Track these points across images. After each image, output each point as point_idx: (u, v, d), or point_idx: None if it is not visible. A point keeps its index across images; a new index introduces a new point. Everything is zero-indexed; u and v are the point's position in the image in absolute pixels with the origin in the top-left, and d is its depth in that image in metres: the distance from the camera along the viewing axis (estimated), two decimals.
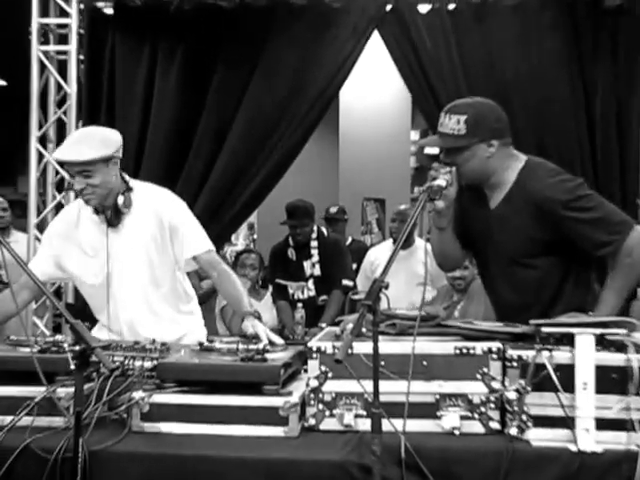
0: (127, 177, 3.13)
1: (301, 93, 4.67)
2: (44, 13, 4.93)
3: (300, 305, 4.80)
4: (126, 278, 3.13)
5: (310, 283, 5.01)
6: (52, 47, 4.99)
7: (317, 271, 5.01)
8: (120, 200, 3.04)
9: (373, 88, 7.56)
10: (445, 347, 2.35)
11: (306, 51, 4.70)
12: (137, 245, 3.11)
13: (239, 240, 8.80)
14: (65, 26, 4.94)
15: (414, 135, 8.95)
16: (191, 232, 3.16)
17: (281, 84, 4.68)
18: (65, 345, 2.36)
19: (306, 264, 5.01)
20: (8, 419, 2.29)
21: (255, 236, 8.49)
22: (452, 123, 2.78)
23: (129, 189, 3.10)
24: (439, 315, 2.57)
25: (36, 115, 4.91)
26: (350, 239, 6.28)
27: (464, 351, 2.32)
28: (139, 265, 3.13)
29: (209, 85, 4.71)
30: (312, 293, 5.00)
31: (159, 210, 3.12)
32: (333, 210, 6.22)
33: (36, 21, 4.88)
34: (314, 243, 5.03)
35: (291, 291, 5.07)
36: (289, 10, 4.61)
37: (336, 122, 7.70)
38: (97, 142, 2.96)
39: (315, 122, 4.78)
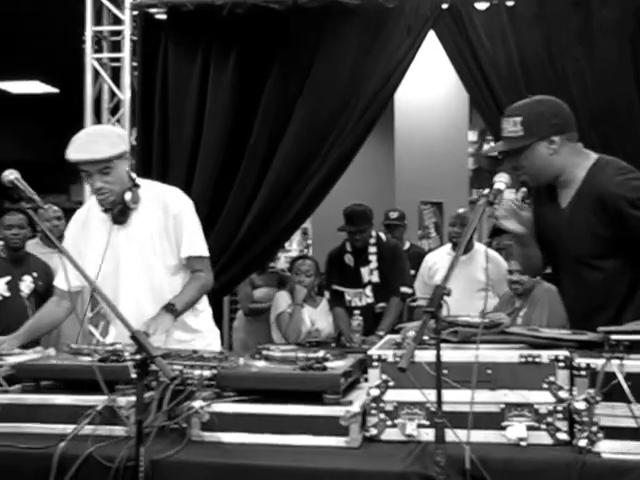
0: (133, 174, 3.18)
1: (356, 96, 4.67)
2: (98, 21, 5.03)
3: (357, 312, 4.79)
4: (133, 274, 3.17)
5: (368, 290, 4.99)
6: (106, 54, 5.08)
7: (375, 278, 4.99)
8: (128, 196, 3.10)
9: (429, 88, 7.51)
10: (510, 355, 2.33)
11: (360, 52, 4.69)
12: (144, 240, 3.15)
13: (293, 246, 8.83)
14: (118, 33, 5.03)
15: (472, 136, 8.86)
16: (193, 232, 3.22)
17: (335, 86, 4.69)
18: (126, 354, 2.41)
19: (364, 270, 5.00)
20: (70, 428, 2.35)
21: (309, 241, 8.51)
22: (510, 126, 2.81)
23: (136, 185, 3.16)
24: (502, 322, 2.56)
25: (90, 122, 4.99)
26: (408, 244, 6.26)
27: (530, 359, 2.30)
28: (146, 260, 3.17)
29: (263, 89, 4.73)
30: (370, 300, 4.99)
31: (166, 201, 3.18)
32: (393, 215, 6.20)
33: (90, 29, 4.98)
34: (372, 249, 5.02)
35: (348, 298, 5.06)
36: (342, 11, 4.62)
37: (391, 124, 7.66)
38: (112, 139, 3.05)
39: (370, 125, 4.77)
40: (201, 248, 3.27)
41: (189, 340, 3.24)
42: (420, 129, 7.68)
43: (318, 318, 5.08)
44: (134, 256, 3.16)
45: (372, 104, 4.68)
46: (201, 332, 3.36)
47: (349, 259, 5.10)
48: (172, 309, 3.04)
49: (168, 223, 3.17)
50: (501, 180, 2.54)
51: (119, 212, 3.12)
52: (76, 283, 3.06)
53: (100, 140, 3.05)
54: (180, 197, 3.27)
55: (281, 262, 7.31)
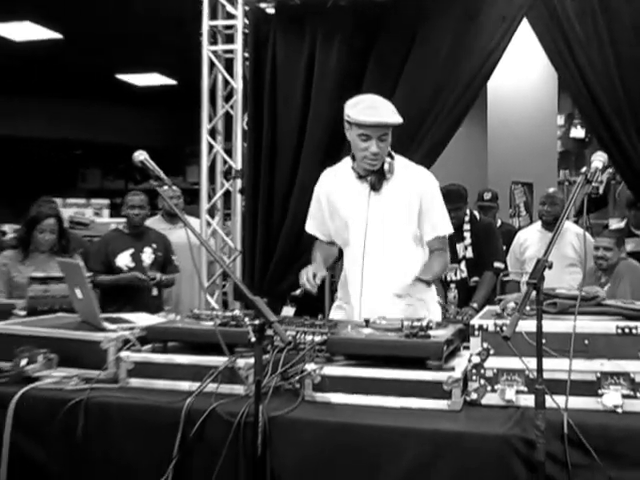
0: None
1: (452, 82, 4.57)
2: (213, 16, 5.08)
3: (453, 286, 4.73)
4: (384, 243, 3.13)
5: (462, 265, 4.92)
6: (220, 47, 5.12)
7: (469, 253, 4.91)
8: (386, 166, 3.08)
9: (520, 73, 7.30)
10: (607, 326, 2.26)
11: (456, 40, 4.58)
12: (396, 211, 3.11)
13: None
14: (231, 27, 5.06)
15: (560, 119, 8.61)
16: (438, 213, 3.18)
17: (432, 74, 4.60)
18: (246, 319, 2.44)
19: (459, 246, 4.92)
20: (194, 385, 2.41)
21: None
22: None
23: (392, 157, 3.13)
24: (599, 295, 2.47)
25: (206, 110, 5.05)
26: (500, 222, 6.13)
27: (627, 330, 2.24)
28: (397, 230, 3.13)
29: (363, 77, 4.70)
30: (464, 275, 4.91)
31: (417, 178, 3.15)
32: (487, 197, 6.07)
33: (206, 24, 5.03)
34: (467, 226, 4.93)
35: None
36: (439, 0, 4.53)
37: (484, 109, 7.51)
38: (393, 109, 3.03)
39: (465, 109, 4.66)
40: (447, 227, 3.22)
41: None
42: (512, 113, 7.50)
43: None
44: (384, 223, 3.12)
45: (467, 90, 4.58)
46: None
47: None
48: (427, 282, 3.03)
49: (417, 199, 3.12)
50: (599, 159, 2.44)
51: (377, 180, 3.08)
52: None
53: (387, 108, 3.02)
54: (429, 176, 3.22)
55: None
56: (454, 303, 4.54)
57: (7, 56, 8.69)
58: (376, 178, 3.08)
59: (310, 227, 3.37)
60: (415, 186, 3.13)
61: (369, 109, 2.98)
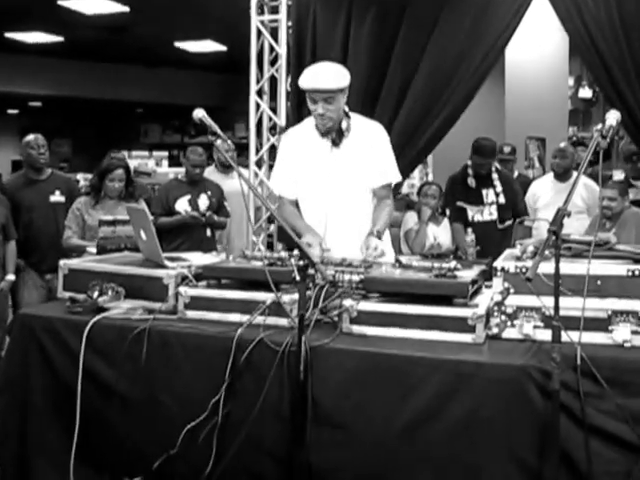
0: (346, 107, 3.05)
1: (475, 46, 4.38)
2: None
3: (470, 230, 4.61)
4: (344, 194, 3.05)
5: (493, 208, 4.82)
6: (267, 17, 4.98)
7: (502, 199, 4.81)
8: (344, 125, 3.00)
9: (535, 38, 7.06)
10: (618, 269, 2.16)
11: (479, 8, 4.40)
12: (355, 164, 3.03)
13: (414, 174, 8.58)
14: None
15: (570, 81, 8.34)
16: (387, 162, 3.09)
17: (458, 38, 4.42)
18: (292, 260, 2.37)
19: (485, 192, 4.81)
20: (244, 318, 2.37)
21: (429, 170, 8.25)
22: None
23: (348, 116, 3.04)
24: (611, 241, 2.36)
25: (254, 73, 4.95)
26: (517, 173, 5.97)
27: (636, 273, 2.14)
28: (356, 182, 3.05)
29: (395, 43, 4.55)
30: (494, 217, 4.81)
31: (370, 131, 3.07)
32: (507, 150, 5.89)
33: None
34: (495, 175, 4.83)
35: (471, 213, 4.88)
36: None
37: (503, 70, 7.31)
38: (338, 74, 2.92)
39: (487, 71, 4.49)
40: (395, 175, 3.13)
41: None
42: (527, 75, 7.27)
43: (440, 234, 4.92)
44: (345, 176, 3.04)
45: (489, 54, 4.40)
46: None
47: (471, 182, 4.89)
48: (379, 235, 2.90)
49: (371, 151, 3.04)
50: (613, 117, 2.30)
51: (337, 136, 3.01)
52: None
53: (330, 73, 2.92)
54: (379, 128, 3.13)
55: (404, 187, 7.13)
56: (472, 245, 4.43)
57: (80, 27, 8.63)
58: (336, 134, 3.00)
59: (278, 187, 3.18)
60: (368, 139, 3.04)
61: (309, 75, 2.90)
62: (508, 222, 4.81)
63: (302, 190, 3.15)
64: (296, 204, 3.19)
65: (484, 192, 4.81)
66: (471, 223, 4.77)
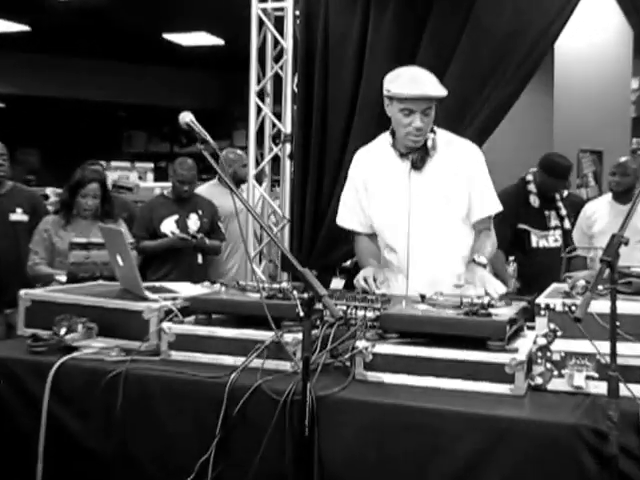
0: None
1: (518, 39, 4.40)
2: None
3: (512, 258, 4.61)
4: (430, 224, 3.04)
5: (557, 234, 4.82)
6: (270, 4, 5.03)
7: (567, 224, 4.82)
8: (430, 143, 2.98)
9: (591, 34, 7.05)
10: None
11: (518, 2, 4.43)
12: (438, 190, 3.02)
13: None
14: None
15: (634, 83, 8.32)
16: (487, 191, 3.09)
17: (496, 31, 4.43)
18: (295, 292, 2.39)
19: (548, 214, 4.81)
20: (239, 360, 2.38)
21: None
22: None
23: (434, 132, 3.02)
24: None
25: (255, 70, 4.98)
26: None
27: None
28: (442, 210, 3.04)
29: (421, 35, 4.57)
30: (558, 243, 4.80)
31: (461, 153, 3.05)
32: None
33: None
34: (558, 196, 4.84)
35: (535, 239, 4.86)
36: None
37: (551, 69, 7.28)
38: (436, 81, 2.93)
39: (531, 71, 4.50)
40: (495, 205, 3.12)
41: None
42: (581, 75, 7.26)
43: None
44: (428, 204, 3.03)
45: (533, 51, 4.41)
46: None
47: (534, 200, 4.88)
48: (483, 264, 2.93)
49: (463, 177, 3.02)
50: None
51: (420, 157, 3.00)
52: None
53: (430, 80, 2.92)
54: (475, 150, 3.13)
55: None
56: (514, 277, 4.43)
57: (49, 14, 8.72)
58: (418, 155, 2.98)
59: (345, 219, 3.23)
60: (461, 162, 3.02)
61: (411, 82, 2.88)
62: (578, 252, 4.76)
63: (378, 223, 3.16)
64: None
65: (546, 214, 4.79)
66: (532, 250, 4.73)
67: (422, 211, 3.02)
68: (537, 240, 4.82)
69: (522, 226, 4.87)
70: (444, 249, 3.05)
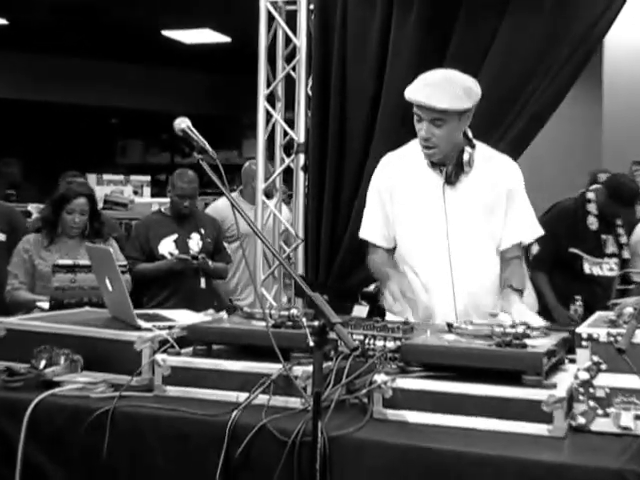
0: (469, 132, 3.13)
1: (559, 38, 4.42)
2: None
3: (579, 298, 4.61)
4: (465, 241, 3.10)
5: (612, 262, 4.80)
6: None
7: (626, 254, 4.80)
8: (466, 157, 3.05)
9: None
10: None
11: None
12: (474, 208, 3.09)
13: None
14: None
15: None
16: (524, 215, 3.15)
17: (535, 29, 4.46)
18: (303, 319, 2.41)
19: (605, 238, 4.80)
20: (243, 396, 2.39)
21: None
22: None
23: (472, 146, 3.10)
24: None
25: (264, 71, 5.02)
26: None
27: None
28: (478, 233, 3.10)
29: (451, 33, 4.60)
30: (613, 273, 4.79)
31: (500, 171, 3.12)
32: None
33: None
34: (619, 221, 4.83)
35: (587, 265, 4.87)
36: None
37: (599, 73, 7.32)
38: (459, 91, 2.98)
39: (576, 73, 4.52)
40: (533, 232, 3.21)
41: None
42: (633, 79, 7.28)
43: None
44: (464, 222, 3.10)
45: (578, 49, 4.44)
46: None
47: (593, 222, 4.88)
48: (520, 291, 2.99)
49: (501, 197, 3.10)
50: None
51: (454, 172, 3.07)
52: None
53: (447, 88, 2.98)
54: (515, 170, 3.20)
55: None
56: (578, 315, 4.43)
57: (34, 8, 8.77)
58: (453, 170, 3.05)
59: (368, 232, 3.30)
60: (499, 181, 3.09)
61: (423, 87, 2.97)
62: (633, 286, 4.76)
63: (405, 239, 3.21)
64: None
65: (603, 238, 4.79)
66: (584, 276, 4.73)
67: (460, 231, 3.08)
68: (590, 267, 4.81)
69: (574, 250, 4.86)
70: (484, 273, 3.11)
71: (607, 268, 4.81)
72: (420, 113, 2.98)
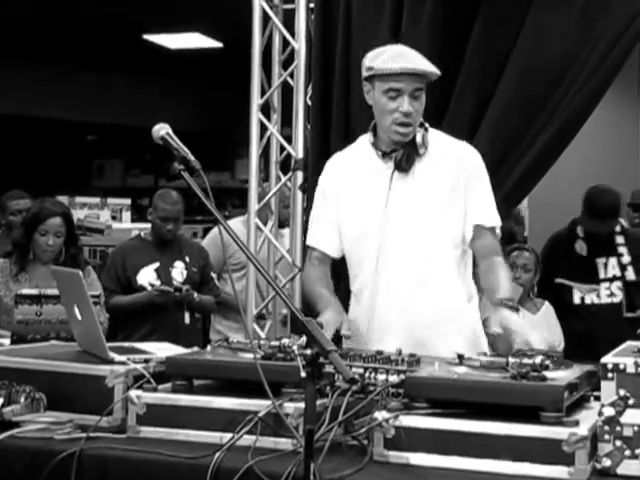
0: None
1: (591, 37, 4.49)
2: None
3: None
4: (404, 233, 3.15)
5: (614, 287, 4.84)
6: None
7: (631, 275, 4.83)
8: (419, 138, 3.12)
9: None
10: None
11: None
12: (428, 198, 3.14)
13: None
14: None
15: None
16: (484, 196, 3.20)
17: (564, 27, 4.53)
18: (295, 349, 2.44)
19: (602, 262, 4.85)
20: (227, 436, 2.42)
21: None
22: None
23: (425, 128, 3.18)
24: None
25: (258, 78, 5.06)
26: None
27: None
28: (431, 226, 3.15)
29: (469, 35, 4.65)
30: (616, 299, 4.83)
31: (459, 156, 3.20)
32: None
33: None
34: (620, 239, 4.87)
35: (578, 294, 4.93)
36: None
37: (637, 80, 7.37)
38: (427, 60, 3.12)
39: (608, 79, 4.58)
40: (494, 218, 3.25)
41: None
42: None
43: (539, 326, 4.97)
44: (413, 214, 3.15)
45: (613, 48, 4.49)
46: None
47: (581, 247, 4.94)
48: (513, 306, 3.02)
49: (459, 184, 3.17)
50: None
51: (406, 156, 3.13)
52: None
53: (415, 54, 3.13)
54: (476, 154, 3.28)
55: None
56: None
57: None
58: (405, 153, 3.11)
59: (314, 239, 3.36)
60: (456, 165, 3.16)
61: (397, 57, 3.08)
62: None
63: (348, 241, 3.27)
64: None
65: (600, 262, 4.84)
66: (575, 307, 4.79)
67: (404, 221, 3.14)
68: (581, 296, 4.87)
69: (560, 280, 4.92)
70: (426, 280, 3.15)
71: (606, 294, 4.84)
72: (401, 86, 3.05)
